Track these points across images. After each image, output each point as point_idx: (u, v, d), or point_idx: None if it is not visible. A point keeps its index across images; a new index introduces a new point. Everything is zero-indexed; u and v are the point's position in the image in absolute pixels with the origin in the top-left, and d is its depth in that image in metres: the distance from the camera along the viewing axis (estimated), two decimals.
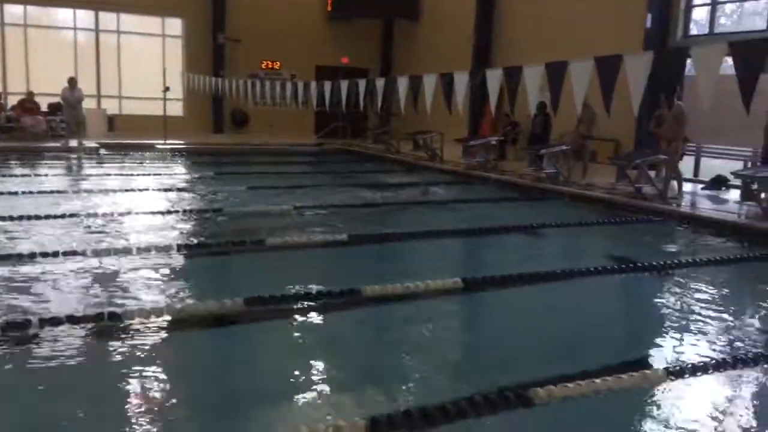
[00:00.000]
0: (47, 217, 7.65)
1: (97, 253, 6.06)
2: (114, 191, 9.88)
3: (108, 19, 20.70)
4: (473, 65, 16.96)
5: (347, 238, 7.13)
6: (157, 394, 3.52)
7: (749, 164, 10.74)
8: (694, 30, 13.84)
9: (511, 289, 5.59)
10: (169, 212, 8.29)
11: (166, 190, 10.22)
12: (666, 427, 3.39)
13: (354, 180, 12.73)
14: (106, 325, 4.31)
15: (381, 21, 22.96)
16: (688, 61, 7.93)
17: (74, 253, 6.02)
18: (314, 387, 3.69)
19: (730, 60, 7.57)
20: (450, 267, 6.68)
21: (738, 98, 6.94)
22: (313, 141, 20.22)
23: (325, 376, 3.88)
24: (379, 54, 23.34)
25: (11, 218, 7.40)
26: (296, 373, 3.83)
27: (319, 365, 4.04)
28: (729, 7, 13.95)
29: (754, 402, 3.78)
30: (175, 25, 21.48)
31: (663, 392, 3.72)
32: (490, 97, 10.59)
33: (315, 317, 4.83)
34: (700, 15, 13.88)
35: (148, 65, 20.45)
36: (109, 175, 12.15)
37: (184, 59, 21.34)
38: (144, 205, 8.67)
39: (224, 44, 21.14)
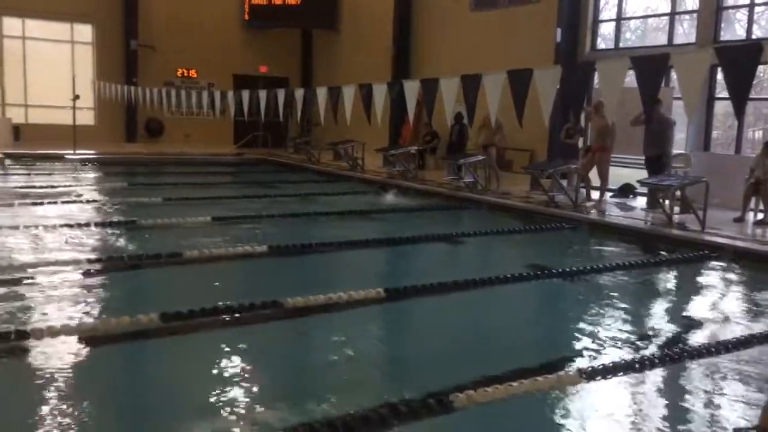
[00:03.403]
0: None
1: (2, 270, 5.75)
2: (20, 204, 9.41)
3: (13, 24, 19.75)
4: (392, 76, 17.17)
5: (267, 249, 7.06)
6: (69, 416, 3.37)
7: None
8: (601, 44, 14.50)
9: (433, 298, 5.67)
10: (79, 225, 7.96)
11: (76, 202, 9.82)
12: (581, 427, 3.53)
13: (274, 190, 12.62)
14: (13, 344, 4.10)
15: (299, 30, 22.89)
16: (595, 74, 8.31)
17: None
18: (235, 401, 3.63)
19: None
20: (372, 277, 6.71)
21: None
22: (232, 151, 19.90)
23: (247, 390, 3.82)
24: (298, 63, 23.25)
25: None
26: (217, 387, 3.76)
27: (240, 379, 3.97)
28: (634, 23, 14.69)
29: (664, 400, 3.98)
30: (85, 32, 20.72)
31: (577, 393, 3.86)
32: (408, 108, 10.74)
33: (236, 331, 4.76)
34: (607, 30, 14.55)
35: (56, 73, 19.60)
36: (15, 186, 11.57)
37: (95, 66, 20.61)
38: (53, 218, 8.29)
39: (137, 51, 20.54)
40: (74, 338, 4.29)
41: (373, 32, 19.49)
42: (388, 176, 14.10)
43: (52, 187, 11.58)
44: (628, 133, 11.05)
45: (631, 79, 8.39)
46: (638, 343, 4.79)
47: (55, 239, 7.26)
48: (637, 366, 4.21)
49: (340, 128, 14.01)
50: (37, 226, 7.75)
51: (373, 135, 14.91)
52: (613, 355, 4.48)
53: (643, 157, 10.68)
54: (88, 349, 4.23)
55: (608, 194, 11.69)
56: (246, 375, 4.05)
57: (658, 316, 5.67)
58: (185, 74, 21.66)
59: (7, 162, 14.87)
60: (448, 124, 13.33)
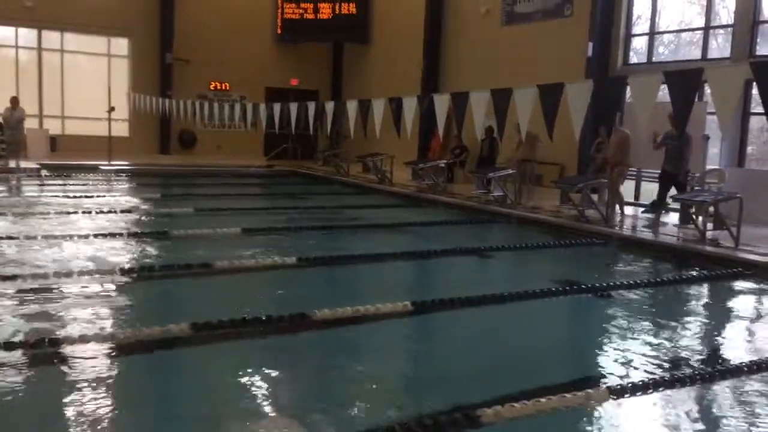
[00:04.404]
0: None
1: (36, 277, 5.88)
2: (55, 213, 9.61)
3: (51, 37, 20.27)
4: (422, 89, 17.22)
5: (296, 261, 7.10)
6: (98, 423, 3.43)
7: (687, 188, 11.13)
8: (633, 59, 14.38)
9: (460, 312, 5.65)
10: (112, 235, 8.11)
11: (110, 212, 10.00)
12: None
13: (303, 202, 12.71)
14: (46, 351, 4.19)
15: (331, 44, 23.11)
16: (627, 88, 8.24)
17: (13, 277, 5.84)
18: (261, 412, 3.65)
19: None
20: (400, 290, 6.71)
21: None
22: (262, 163, 20.11)
23: (273, 401, 3.84)
24: (329, 77, 23.46)
25: None
26: (243, 398, 3.79)
27: (267, 390, 3.99)
28: (667, 37, 14.54)
29: (694, 421, 3.90)
30: (121, 45, 21.18)
31: (606, 410, 3.81)
32: (438, 122, 10.75)
33: (263, 342, 4.79)
34: (639, 44, 14.43)
35: (92, 85, 20.08)
36: (51, 196, 11.82)
37: (131, 79, 21.03)
38: (87, 228, 8.45)
39: (172, 64, 20.92)
40: (106, 346, 4.36)
41: (404, 46, 19.59)
42: (417, 189, 14.11)
43: (87, 197, 11.81)
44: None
45: (662, 93, 8.31)
46: (669, 361, 4.71)
47: (88, 249, 7.39)
48: (667, 385, 4.14)
49: (370, 141, 14.07)
50: (71, 236, 7.91)
51: (402, 148, 14.95)
52: (643, 373, 4.41)
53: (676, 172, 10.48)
54: (119, 357, 4.30)
55: (640, 209, 11.55)
56: (272, 386, 4.07)
57: (690, 334, 5.57)
58: (218, 87, 22.00)
59: (44, 172, 15.21)
60: (478, 138, 13.35)
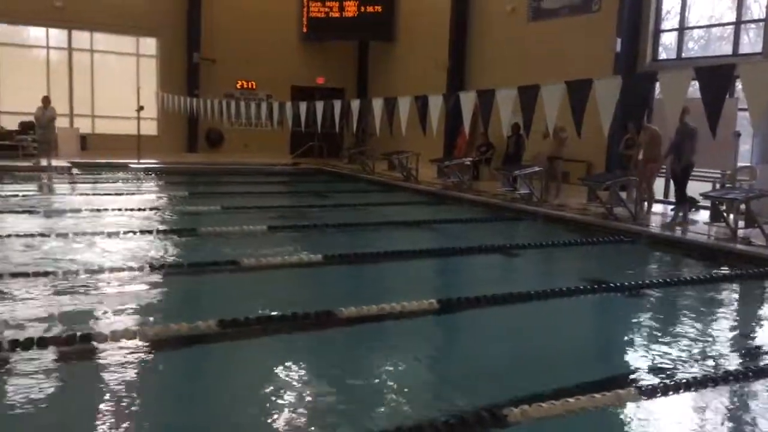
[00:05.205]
0: (17, 236, 7.54)
1: (68, 274, 5.98)
2: (86, 211, 9.76)
3: (81, 38, 20.58)
4: (448, 87, 17.17)
5: (322, 258, 7.13)
6: (127, 418, 3.47)
7: (718, 186, 10.96)
8: (663, 55, 14.18)
9: (487, 310, 5.62)
10: (142, 232, 8.21)
11: (139, 209, 10.13)
12: None
13: (329, 200, 12.74)
14: (77, 347, 4.25)
15: (356, 43, 23.15)
16: (656, 85, 8.13)
17: (45, 273, 5.94)
18: (288, 410, 3.67)
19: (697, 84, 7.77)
20: (425, 288, 6.69)
21: (705, 121, 7.14)
22: (288, 161, 20.21)
23: (300, 399, 3.86)
24: (354, 75, 23.50)
25: None
26: (270, 395, 3.81)
27: (294, 388, 4.01)
28: (697, 33, 14.32)
29: (724, 420, 3.84)
30: (149, 45, 21.43)
31: (635, 411, 3.76)
32: (464, 119, 10.71)
33: (290, 339, 4.81)
34: (668, 40, 14.23)
35: (121, 84, 20.35)
36: (81, 194, 12.01)
37: (159, 79, 21.27)
38: (117, 225, 8.57)
39: (199, 64, 21.12)
40: (135, 342, 4.42)
41: (429, 43, 19.54)
42: (443, 187, 14.08)
43: (117, 195, 11.97)
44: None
45: (692, 89, 8.18)
46: (700, 360, 4.64)
47: (118, 245, 7.49)
48: (698, 385, 4.07)
49: (395, 139, 14.08)
50: (101, 233, 8.02)
51: (428, 145, 14.92)
52: (673, 372, 4.35)
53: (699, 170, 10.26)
54: (148, 353, 4.35)
55: (669, 207, 11.38)
56: (299, 383, 4.09)
57: (720, 334, 5.48)
58: (245, 86, 22.16)
59: (75, 170, 15.45)
60: (504, 135, 13.28)
